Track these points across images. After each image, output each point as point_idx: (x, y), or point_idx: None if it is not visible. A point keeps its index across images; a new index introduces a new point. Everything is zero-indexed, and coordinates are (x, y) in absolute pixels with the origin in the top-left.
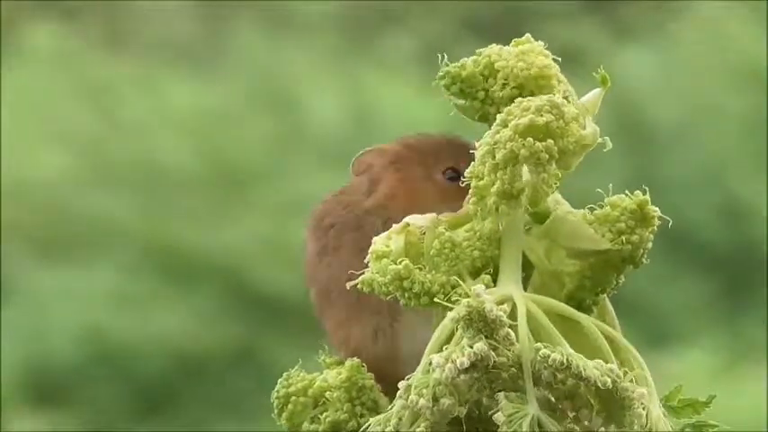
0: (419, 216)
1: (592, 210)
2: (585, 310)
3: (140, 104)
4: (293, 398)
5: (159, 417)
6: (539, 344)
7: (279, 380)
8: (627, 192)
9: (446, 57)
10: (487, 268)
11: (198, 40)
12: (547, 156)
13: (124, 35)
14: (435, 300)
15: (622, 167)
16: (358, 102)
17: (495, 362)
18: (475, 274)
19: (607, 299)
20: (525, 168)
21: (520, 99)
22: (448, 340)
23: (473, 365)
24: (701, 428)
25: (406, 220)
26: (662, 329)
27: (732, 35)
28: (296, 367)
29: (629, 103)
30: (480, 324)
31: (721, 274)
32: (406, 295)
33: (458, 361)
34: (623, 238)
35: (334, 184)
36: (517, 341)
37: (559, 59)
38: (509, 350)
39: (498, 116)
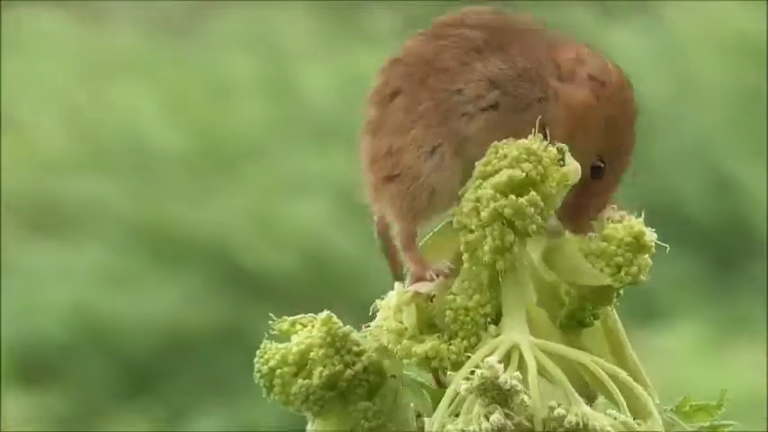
0: (425, 284)
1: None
2: (587, 324)
3: (129, 83)
4: (278, 371)
5: (147, 396)
6: (552, 403)
7: (254, 359)
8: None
9: None
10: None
11: (185, 17)
12: (532, 208)
13: (109, 12)
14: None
15: None
16: (348, 79)
17: (511, 430)
18: (488, 323)
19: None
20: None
21: (495, 145)
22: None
23: None
24: (716, 429)
25: (413, 288)
26: (650, 305)
27: (720, 12)
28: (264, 341)
29: None
30: (494, 393)
31: (710, 250)
32: (439, 371)
33: None
34: (623, 271)
35: (322, 162)
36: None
37: None
38: (524, 416)
39: (477, 166)
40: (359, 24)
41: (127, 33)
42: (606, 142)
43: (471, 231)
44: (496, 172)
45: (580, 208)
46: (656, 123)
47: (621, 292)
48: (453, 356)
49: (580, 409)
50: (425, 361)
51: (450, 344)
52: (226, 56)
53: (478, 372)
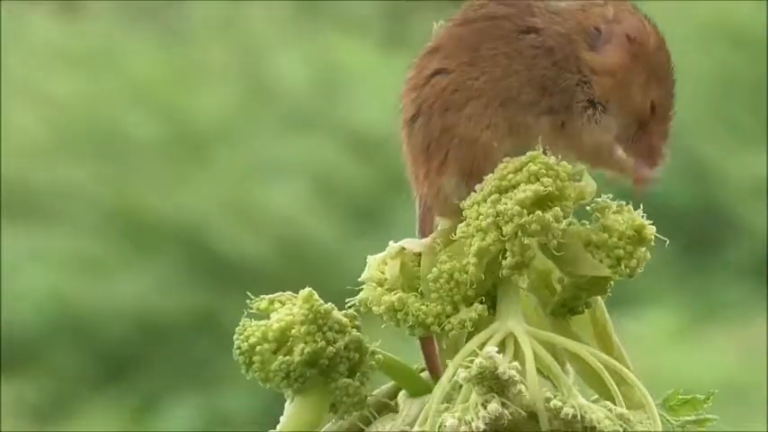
0: (415, 241)
1: (586, 225)
2: (578, 312)
3: (101, 69)
4: (258, 347)
5: (121, 383)
6: (548, 393)
7: (234, 336)
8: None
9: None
10: (481, 296)
11: (158, 4)
12: (556, 223)
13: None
14: (431, 329)
15: None
16: (320, 64)
17: (507, 420)
18: (469, 301)
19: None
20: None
21: (507, 159)
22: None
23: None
24: (702, 423)
25: (402, 243)
26: (623, 289)
27: None
28: (243, 319)
29: None
30: (492, 382)
31: (683, 234)
32: (401, 325)
33: (473, 424)
34: (623, 264)
35: (296, 147)
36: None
37: None
38: (520, 405)
39: (489, 180)
40: (332, 10)
41: (99, 20)
42: (654, 89)
43: (484, 240)
44: (513, 187)
45: (650, 142)
46: None
47: (613, 282)
48: (421, 315)
49: (577, 401)
50: (392, 312)
51: (424, 303)
52: (198, 42)
53: (477, 361)
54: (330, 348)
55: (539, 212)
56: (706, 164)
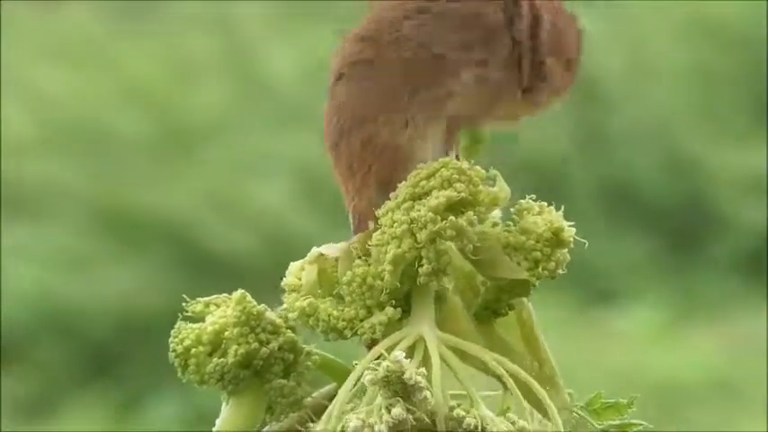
0: (333, 246)
1: (507, 228)
2: (502, 314)
3: (88, 65)
4: (193, 350)
5: (107, 379)
6: (452, 403)
7: (169, 340)
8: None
9: None
10: (398, 300)
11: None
12: (471, 228)
13: None
14: (343, 333)
15: (569, 122)
16: (309, 60)
17: (411, 425)
18: (383, 305)
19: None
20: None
21: (420, 166)
22: (357, 392)
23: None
24: (624, 429)
25: (320, 249)
26: (606, 286)
27: None
28: (178, 322)
29: None
30: (398, 386)
31: (666, 230)
32: (316, 330)
33: (376, 428)
34: (540, 266)
35: (283, 143)
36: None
37: None
38: (425, 411)
39: (402, 188)
40: (321, 6)
41: (86, 15)
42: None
43: (399, 247)
44: (426, 193)
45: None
46: (614, 103)
47: (537, 284)
48: (332, 320)
49: (479, 412)
50: (304, 317)
51: (337, 308)
52: (186, 37)
53: (384, 364)
54: (263, 349)
55: (452, 218)
56: (689, 160)
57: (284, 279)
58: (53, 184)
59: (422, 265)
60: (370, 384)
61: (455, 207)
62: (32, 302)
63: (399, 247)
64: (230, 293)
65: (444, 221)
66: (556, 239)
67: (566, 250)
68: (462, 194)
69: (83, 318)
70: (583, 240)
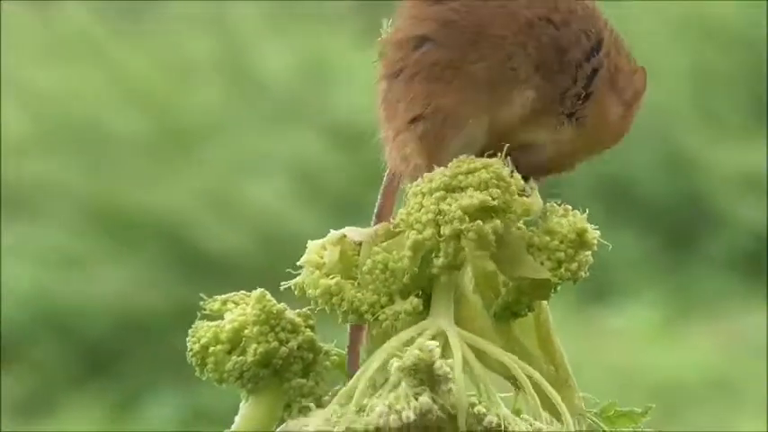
0: (357, 229)
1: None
2: (521, 315)
3: (84, 64)
4: (210, 348)
5: (103, 378)
6: (473, 399)
7: (186, 339)
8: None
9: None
10: (417, 290)
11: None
12: (493, 236)
13: None
14: (364, 317)
15: None
16: (305, 59)
17: (436, 416)
18: (406, 293)
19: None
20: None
21: (462, 158)
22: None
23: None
24: None
25: (343, 231)
26: (604, 283)
27: None
28: (196, 321)
29: None
30: (425, 376)
31: (664, 228)
32: (336, 311)
33: (403, 414)
34: (563, 267)
35: (279, 142)
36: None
37: None
38: (447, 403)
39: (438, 175)
40: (314, 5)
41: (85, 15)
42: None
43: (421, 234)
44: (462, 189)
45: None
46: None
47: (559, 288)
48: (356, 302)
49: (501, 411)
50: (327, 296)
51: (360, 291)
52: (183, 37)
53: (414, 352)
54: (283, 348)
55: (479, 222)
56: (687, 158)
57: (303, 257)
58: (50, 184)
59: (438, 257)
60: (398, 371)
61: (486, 211)
62: (30, 302)
63: (421, 233)
64: (227, 293)
65: (471, 224)
66: (579, 241)
67: (589, 252)
68: (496, 202)
69: (80, 317)
70: (606, 243)
